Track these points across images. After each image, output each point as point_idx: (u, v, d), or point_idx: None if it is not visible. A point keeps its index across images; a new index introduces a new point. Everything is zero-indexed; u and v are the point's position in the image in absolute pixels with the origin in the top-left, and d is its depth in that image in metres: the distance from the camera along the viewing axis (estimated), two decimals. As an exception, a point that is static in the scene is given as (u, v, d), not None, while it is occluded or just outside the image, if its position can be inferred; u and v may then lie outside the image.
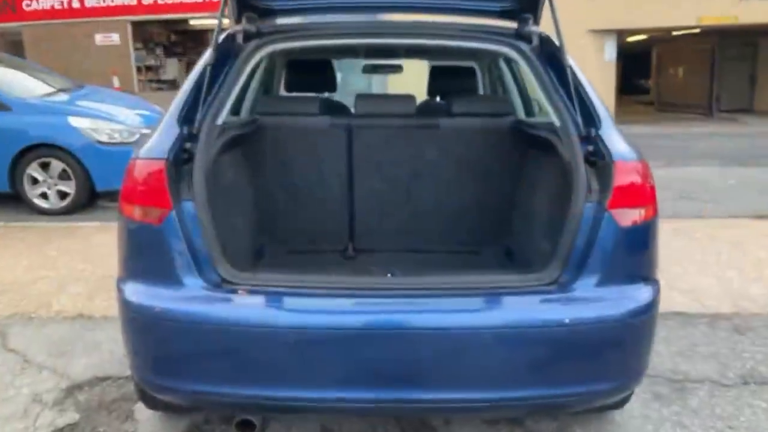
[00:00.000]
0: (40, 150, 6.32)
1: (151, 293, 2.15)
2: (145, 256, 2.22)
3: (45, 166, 6.38)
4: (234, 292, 2.15)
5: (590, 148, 2.32)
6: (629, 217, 2.18)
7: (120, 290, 2.21)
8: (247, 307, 2.16)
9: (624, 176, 2.20)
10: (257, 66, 3.13)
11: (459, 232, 3.40)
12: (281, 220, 3.34)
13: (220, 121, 2.47)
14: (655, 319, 2.25)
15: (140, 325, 2.18)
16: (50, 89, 7.11)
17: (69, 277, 4.37)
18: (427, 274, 2.36)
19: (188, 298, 2.13)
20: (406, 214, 3.38)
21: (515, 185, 3.20)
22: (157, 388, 2.27)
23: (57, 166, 6.35)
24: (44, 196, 6.46)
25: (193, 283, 2.14)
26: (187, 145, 2.29)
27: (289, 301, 2.17)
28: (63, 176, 6.38)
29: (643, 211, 2.21)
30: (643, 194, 2.22)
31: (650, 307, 2.20)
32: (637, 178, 2.22)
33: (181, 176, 2.23)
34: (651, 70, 24.24)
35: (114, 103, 7.18)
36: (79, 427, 2.66)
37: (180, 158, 2.25)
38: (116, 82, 13.24)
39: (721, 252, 4.92)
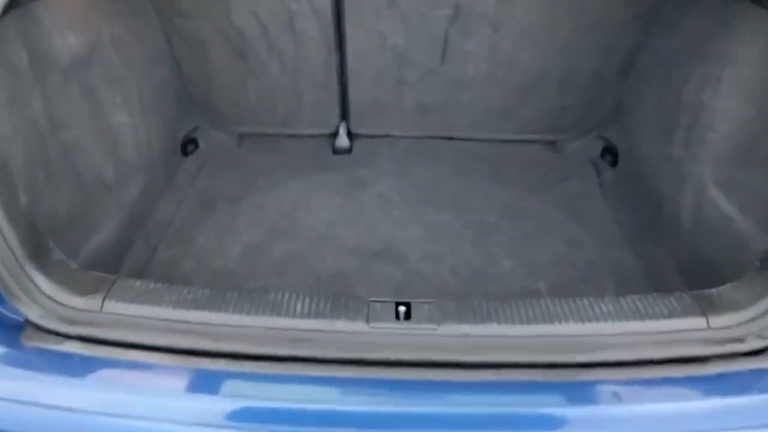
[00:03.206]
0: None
1: None
2: None
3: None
4: (53, 357, 1.09)
5: None
6: None
7: None
8: (81, 398, 1.08)
9: None
10: None
11: (526, 111, 2.20)
12: (224, 89, 2.13)
13: None
14: None
15: None
16: None
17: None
18: (511, 311, 1.17)
19: None
20: (440, 80, 2.14)
21: (639, 42, 1.96)
22: None
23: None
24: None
25: None
26: None
27: (171, 387, 1.09)
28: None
29: None
30: None
31: None
32: None
33: None
34: None
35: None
36: None
37: None
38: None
39: None
